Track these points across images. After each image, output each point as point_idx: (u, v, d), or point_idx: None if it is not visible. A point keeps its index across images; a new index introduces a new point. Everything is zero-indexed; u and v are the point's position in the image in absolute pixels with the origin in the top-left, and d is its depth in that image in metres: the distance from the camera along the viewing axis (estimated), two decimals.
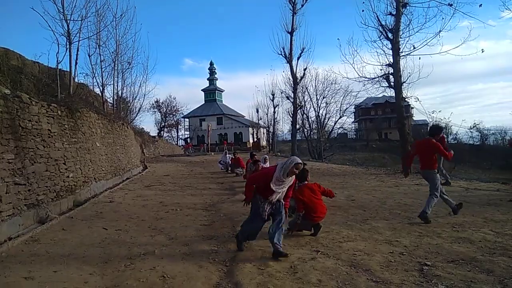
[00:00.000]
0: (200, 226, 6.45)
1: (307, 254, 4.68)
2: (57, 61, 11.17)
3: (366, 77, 16.06)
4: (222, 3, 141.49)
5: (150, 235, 5.92)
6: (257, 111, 48.20)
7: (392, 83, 15.00)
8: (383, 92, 16.48)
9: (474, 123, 58.16)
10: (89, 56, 16.16)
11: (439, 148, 6.38)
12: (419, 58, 15.01)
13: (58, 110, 8.75)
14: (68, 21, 11.32)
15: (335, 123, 41.68)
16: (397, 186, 10.75)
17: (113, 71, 18.08)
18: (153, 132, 52.80)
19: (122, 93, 20.58)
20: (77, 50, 12.70)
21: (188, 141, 60.21)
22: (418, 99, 15.61)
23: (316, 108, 37.77)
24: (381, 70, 15.55)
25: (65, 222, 6.85)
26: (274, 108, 43.76)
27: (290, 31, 26.43)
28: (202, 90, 67.16)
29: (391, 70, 14.94)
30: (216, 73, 66.59)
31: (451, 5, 13.29)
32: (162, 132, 60.35)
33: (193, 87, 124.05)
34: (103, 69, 17.07)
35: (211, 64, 66.54)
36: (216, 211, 7.88)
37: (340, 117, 41.07)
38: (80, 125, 10.10)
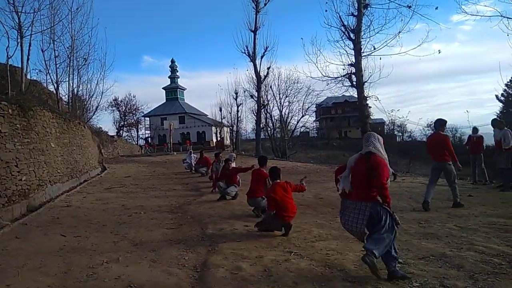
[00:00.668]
0: (167, 230, 6.17)
1: (280, 255, 4.57)
2: (7, 56, 10.38)
3: (329, 77, 16.26)
4: None
5: (112, 241, 5.58)
6: (220, 110, 47.74)
7: (354, 83, 15.30)
8: (345, 91, 16.77)
9: (430, 122, 61.21)
10: (42, 51, 15.19)
11: (447, 144, 7.04)
12: (380, 58, 15.37)
13: (8, 108, 8.10)
14: (19, 13, 10.57)
15: (297, 122, 42.13)
16: None
17: (68, 68, 17.14)
18: (112, 131, 51.01)
19: (78, 91, 19.59)
20: (29, 45, 11.86)
21: (149, 141, 58.69)
22: (377, 98, 16.05)
23: (279, 107, 37.98)
24: (343, 69, 15.81)
25: (19, 229, 6.33)
26: (238, 107, 43.54)
27: (253, 29, 26.42)
28: (163, 88, 65.67)
29: (353, 69, 15.21)
30: (177, 71, 65.27)
31: (410, 6, 13.74)
32: (121, 132, 58.45)
33: (154, 85, 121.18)
34: (57, 65, 16.13)
35: (172, 61, 65.16)
36: (182, 213, 7.61)
37: (303, 116, 41.52)
38: (33, 124, 9.42)
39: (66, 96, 18.25)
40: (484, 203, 7.28)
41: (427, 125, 57.64)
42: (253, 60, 27.15)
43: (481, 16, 10.72)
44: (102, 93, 21.47)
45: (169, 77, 65.17)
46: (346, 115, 73.05)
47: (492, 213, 6.39)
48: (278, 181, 5.74)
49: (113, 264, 4.50)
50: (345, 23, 15.25)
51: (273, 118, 39.03)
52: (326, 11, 15.78)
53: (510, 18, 9.54)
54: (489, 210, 6.68)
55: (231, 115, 45.24)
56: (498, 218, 5.98)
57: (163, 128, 54.51)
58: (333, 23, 15.83)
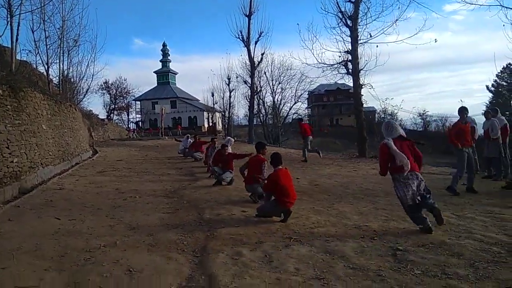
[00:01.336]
0: (163, 214, 6.11)
1: (280, 241, 4.55)
2: None
3: (325, 63, 16.19)
4: None
5: (108, 225, 5.50)
6: (213, 95, 47.30)
7: (350, 70, 15.24)
8: (341, 78, 16.74)
9: (424, 111, 62.00)
10: (32, 31, 14.72)
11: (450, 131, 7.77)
12: (377, 46, 15.35)
13: None
14: None
15: (290, 109, 42.00)
16: (355, 170, 10.99)
17: (59, 49, 16.70)
18: (102, 115, 50.31)
19: (68, 73, 19.16)
20: (18, 24, 11.49)
21: (140, 125, 58.11)
22: (372, 87, 16.04)
23: (272, 93, 37.79)
24: (339, 56, 15.74)
25: (11, 212, 6.21)
26: (230, 92, 43.21)
27: (248, 14, 26.02)
28: (154, 72, 64.72)
29: (349, 57, 15.16)
30: (169, 55, 64.31)
31: None
32: (111, 115, 57.70)
33: (145, 68, 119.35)
34: (48, 47, 15.69)
35: (164, 45, 64.11)
36: (178, 198, 7.55)
37: (295, 102, 41.39)
38: (25, 106, 9.19)
39: (57, 78, 17.85)
40: (478, 192, 7.33)
41: (420, 113, 58.10)
42: (247, 45, 26.82)
43: (480, 5, 10.67)
44: (92, 75, 21.11)
45: (160, 60, 64.22)
46: (338, 103, 73.19)
47: (487, 202, 6.44)
48: (280, 167, 5.70)
49: (110, 248, 4.43)
50: (343, 9, 15.16)
51: (265, 104, 38.89)
52: None
53: (509, 8, 9.51)
54: (484, 199, 6.73)
55: (223, 101, 44.88)
56: (493, 207, 6.03)
57: (154, 112, 54.04)
58: (330, 9, 15.70)
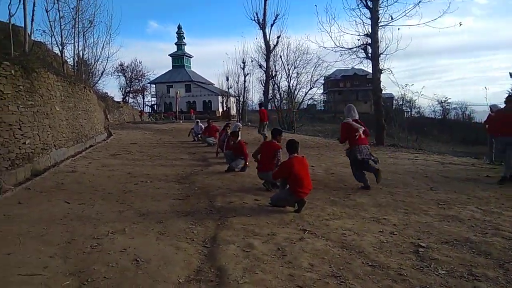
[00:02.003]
0: (174, 201, 5.95)
1: (294, 233, 4.34)
2: (9, 14, 9.89)
3: (343, 47, 15.66)
4: None
5: (118, 210, 5.38)
6: (227, 79, 46.94)
7: (369, 54, 14.70)
8: (359, 63, 16.15)
9: (445, 98, 60.46)
10: (46, 11, 14.60)
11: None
12: (398, 29, 14.75)
13: (11, 69, 7.76)
14: None
15: (305, 94, 41.25)
16: None
17: (73, 30, 16.56)
18: (118, 97, 50.57)
19: (83, 54, 19.08)
20: (34, 4, 11.34)
21: (155, 108, 58.32)
22: (391, 72, 15.48)
23: (287, 78, 37.10)
24: (358, 40, 15.18)
25: (22, 194, 6.16)
26: (245, 76, 42.78)
27: None
28: (169, 55, 64.53)
29: (369, 40, 14.60)
30: (184, 38, 63.84)
31: None
32: (127, 98, 57.97)
33: (160, 52, 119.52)
34: (62, 27, 15.54)
35: (179, 28, 63.64)
36: (190, 183, 7.39)
37: (311, 88, 40.53)
38: (37, 87, 9.10)
39: (71, 59, 17.79)
40: (504, 184, 6.94)
41: (441, 101, 56.64)
42: (262, 28, 26.32)
43: None
44: (107, 57, 21.03)
45: (175, 43, 63.88)
46: (354, 89, 71.86)
47: None
48: (296, 154, 5.44)
49: (118, 235, 4.30)
50: None
51: (280, 89, 38.27)
52: None
53: None
54: (511, 192, 6.36)
55: (238, 85, 44.57)
56: None
57: (169, 95, 54.00)
58: None
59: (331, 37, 15.86)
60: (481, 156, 10.94)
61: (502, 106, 8.29)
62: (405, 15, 14.12)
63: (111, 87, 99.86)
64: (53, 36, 15.31)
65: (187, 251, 3.84)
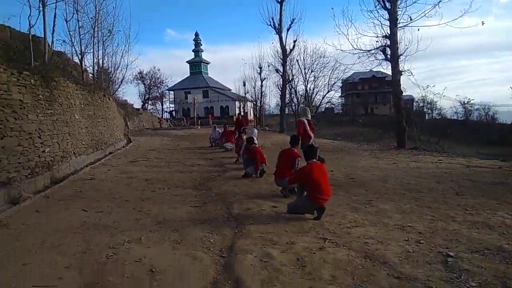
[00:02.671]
0: (191, 208, 5.86)
1: (314, 242, 4.16)
2: (29, 25, 10.09)
3: (361, 49, 15.38)
4: None
5: (135, 218, 5.32)
6: (244, 84, 47.09)
7: (388, 56, 14.38)
8: (378, 65, 15.85)
9: (467, 99, 58.96)
10: (66, 21, 14.87)
11: None
12: (418, 30, 14.40)
13: (31, 79, 7.89)
14: None
15: (323, 98, 40.85)
16: (394, 163, 10.31)
17: (92, 39, 16.85)
18: (137, 104, 51.25)
19: (103, 63, 19.39)
20: (55, 15, 11.57)
21: (174, 115, 58.90)
22: (411, 73, 15.10)
23: (304, 82, 36.80)
24: (377, 42, 14.89)
25: (40, 203, 6.18)
26: (262, 81, 42.79)
27: (280, 0, 25.35)
28: (187, 62, 65.13)
29: (388, 42, 14.29)
30: (201, 45, 64.39)
31: None
32: (146, 105, 58.74)
33: (177, 59, 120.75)
34: (81, 37, 15.84)
35: (196, 35, 64.24)
36: (207, 190, 7.29)
37: (328, 91, 40.10)
38: (57, 95, 9.23)
39: (91, 68, 18.11)
40: None
41: (463, 102, 55.18)
42: (278, 32, 26.24)
43: None
44: (127, 65, 21.28)
45: (193, 50, 64.48)
46: (373, 91, 70.87)
47: None
48: (314, 160, 5.27)
49: (134, 244, 4.23)
50: None
51: (297, 93, 37.99)
52: None
53: None
54: None
55: (255, 90, 44.64)
56: None
57: (187, 102, 54.42)
58: None
59: (348, 39, 15.59)
60: (508, 158, 10.45)
61: None
62: (424, 15, 13.79)
63: (131, 94, 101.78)
64: (73, 46, 15.61)
65: (204, 261, 3.72)
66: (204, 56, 65.81)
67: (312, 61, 35.89)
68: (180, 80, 63.75)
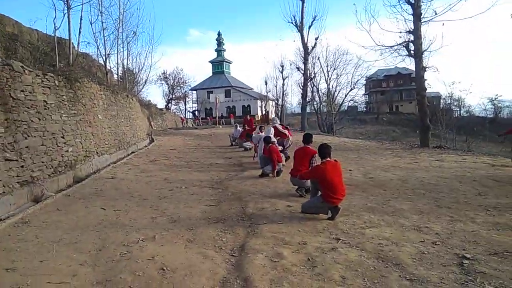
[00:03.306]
0: (206, 207, 5.91)
1: (326, 243, 4.11)
2: (54, 27, 10.48)
3: (384, 45, 15.07)
4: None
5: (151, 217, 5.42)
6: (266, 83, 47.18)
7: (412, 52, 14.03)
8: (401, 61, 15.48)
9: (496, 96, 56.82)
10: (91, 23, 15.33)
11: None
12: (443, 24, 13.99)
13: (55, 80, 8.16)
14: None
15: (345, 96, 40.27)
16: (416, 162, 10.05)
17: (117, 40, 17.28)
18: (161, 104, 52.06)
19: (127, 64, 19.84)
20: (81, 18, 11.95)
21: (196, 114, 59.54)
22: (437, 69, 14.67)
23: (326, 80, 36.39)
24: (400, 37, 14.55)
25: (61, 201, 6.38)
26: (283, 80, 42.70)
27: None
28: (209, 61, 65.68)
29: (411, 37, 13.95)
30: (224, 44, 64.76)
31: None
32: (169, 105, 59.61)
33: (200, 58, 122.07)
34: (105, 38, 16.27)
35: (219, 34, 64.68)
36: (223, 189, 7.34)
37: (351, 89, 39.49)
38: (80, 96, 9.51)
39: (115, 68, 18.56)
40: None
41: (492, 99, 53.19)
42: (300, 30, 26.07)
43: None
44: (150, 66, 21.86)
45: (215, 50, 64.95)
46: (398, 88, 69.28)
47: None
48: (328, 159, 5.21)
49: (148, 242, 4.31)
50: None
51: (319, 91, 37.64)
52: None
53: None
54: None
55: (276, 89, 44.58)
56: None
57: (209, 101, 54.89)
58: None
59: (370, 35, 15.31)
60: None
61: None
62: (449, 9, 13.37)
63: (154, 94, 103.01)
64: (97, 48, 16.05)
65: (214, 260, 3.75)
66: (227, 55, 66.19)
67: (334, 58, 35.54)
68: (203, 80, 64.38)
